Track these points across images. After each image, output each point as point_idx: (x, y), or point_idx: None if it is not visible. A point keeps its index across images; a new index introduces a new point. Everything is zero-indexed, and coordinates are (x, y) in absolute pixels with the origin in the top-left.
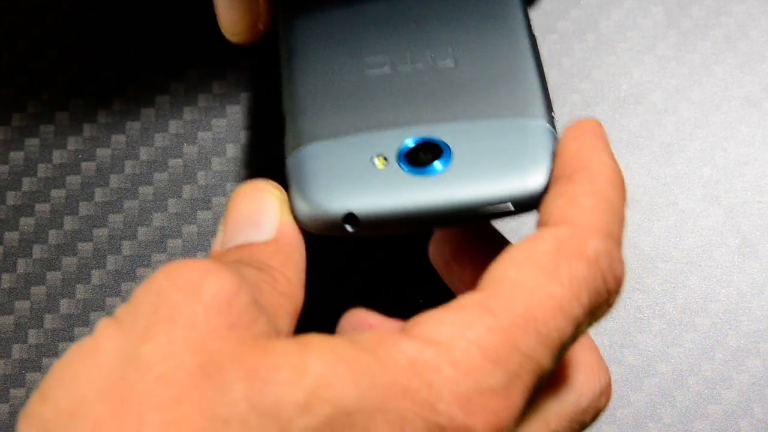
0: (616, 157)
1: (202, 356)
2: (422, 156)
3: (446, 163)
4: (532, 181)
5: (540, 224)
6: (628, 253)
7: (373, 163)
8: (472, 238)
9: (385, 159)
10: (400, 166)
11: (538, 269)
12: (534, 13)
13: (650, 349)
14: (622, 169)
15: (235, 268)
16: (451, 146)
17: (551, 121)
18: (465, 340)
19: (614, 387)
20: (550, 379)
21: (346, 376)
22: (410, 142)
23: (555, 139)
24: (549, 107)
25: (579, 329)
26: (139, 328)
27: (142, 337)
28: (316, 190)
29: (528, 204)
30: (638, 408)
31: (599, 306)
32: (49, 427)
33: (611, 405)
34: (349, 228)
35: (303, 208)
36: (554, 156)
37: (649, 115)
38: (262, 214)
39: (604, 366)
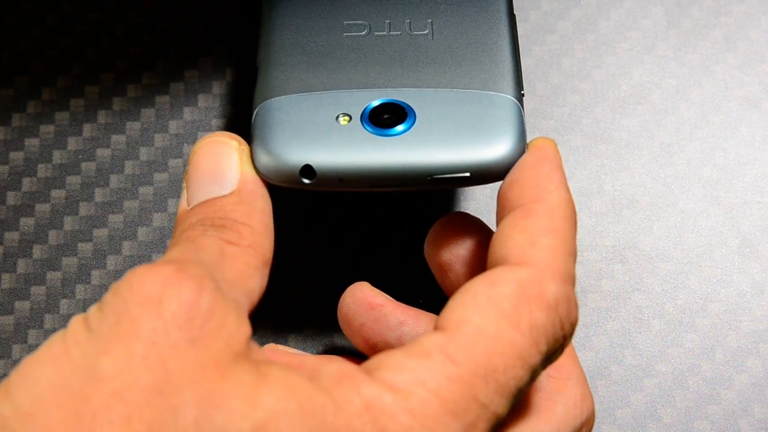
0: (616, 157)
1: (160, 374)
2: (386, 117)
3: (409, 126)
4: (492, 152)
5: (500, 260)
6: (628, 254)
7: (337, 121)
8: (469, 245)
9: (350, 117)
10: (363, 125)
11: (500, 315)
12: (534, 14)
13: (650, 349)
14: (623, 169)
15: (195, 263)
16: (415, 110)
17: (519, 97)
18: (425, 389)
19: (614, 387)
20: (529, 410)
21: (295, 414)
22: (375, 103)
23: (521, 115)
24: (519, 84)
25: (535, 374)
26: (102, 337)
27: (103, 349)
28: (277, 141)
29: (486, 175)
30: (638, 408)
31: (555, 351)
32: (8, 425)
33: (611, 405)
34: (305, 180)
35: (263, 158)
36: (519, 131)
37: (649, 115)
38: (222, 167)
39: (589, 398)
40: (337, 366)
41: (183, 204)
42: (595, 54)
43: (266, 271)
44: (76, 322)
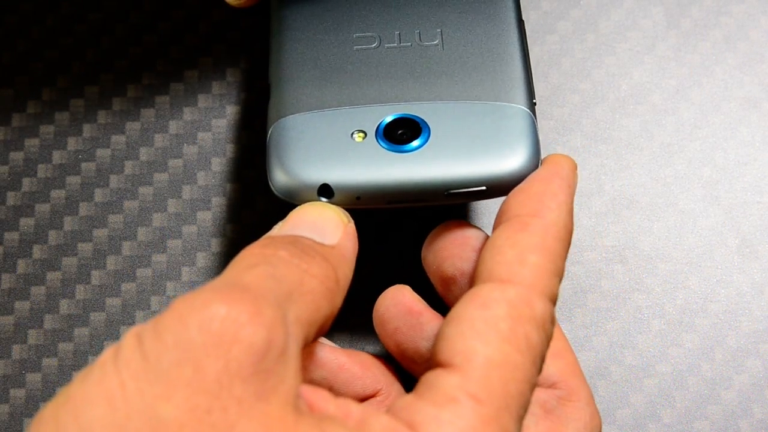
0: (616, 157)
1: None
2: (400, 133)
3: (424, 141)
4: (507, 165)
5: (487, 273)
6: (628, 253)
7: (352, 138)
8: (474, 259)
9: (364, 134)
10: (378, 141)
11: (501, 339)
12: (534, 14)
13: (650, 349)
14: (623, 169)
15: (271, 302)
16: (429, 125)
17: (532, 107)
18: None
19: (614, 387)
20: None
21: None
22: (389, 119)
23: (534, 125)
24: (531, 94)
25: (533, 390)
26: (162, 375)
27: (163, 394)
28: (294, 160)
29: (501, 188)
30: (638, 408)
31: (541, 368)
32: None
33: (611, 405)
34: (323, 199)
35: (280, 177)
36: (532, 142)
37: (649, 115)
38: (326, 224)
39: (597, 417)
40: (386, 421)
41: (274, 232)
42: (595, 54)
43: (330, 323)
44: (129, 345)
